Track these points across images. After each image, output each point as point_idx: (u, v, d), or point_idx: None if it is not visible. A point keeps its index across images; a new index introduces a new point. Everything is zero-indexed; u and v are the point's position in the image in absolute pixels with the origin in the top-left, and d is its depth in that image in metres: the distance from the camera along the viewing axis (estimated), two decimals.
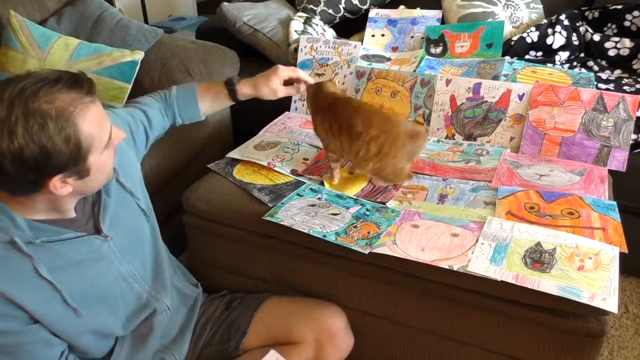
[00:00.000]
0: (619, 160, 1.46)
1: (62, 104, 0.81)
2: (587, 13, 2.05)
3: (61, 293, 0.89)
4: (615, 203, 1.25)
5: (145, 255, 1.10)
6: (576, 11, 2.05)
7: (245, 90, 1.33)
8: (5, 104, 0.78)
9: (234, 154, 1.54)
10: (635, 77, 1.83)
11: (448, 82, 1.66)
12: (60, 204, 0.92)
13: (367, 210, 1.27)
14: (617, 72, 1.89)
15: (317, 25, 2.17)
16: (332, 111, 1.33)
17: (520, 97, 1.58)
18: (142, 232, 1.11)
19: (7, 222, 0.86)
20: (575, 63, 1.95)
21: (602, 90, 1.53)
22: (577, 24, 2.01)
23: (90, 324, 0.96)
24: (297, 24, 2.13)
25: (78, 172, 0.86)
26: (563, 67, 1.89)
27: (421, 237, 1.16)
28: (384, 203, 1.31)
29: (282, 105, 1.88)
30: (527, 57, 1.97)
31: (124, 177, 1.07)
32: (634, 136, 1.50)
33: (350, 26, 2.28)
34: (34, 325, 0.88)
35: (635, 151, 1.53)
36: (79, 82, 0.85)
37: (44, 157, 0.80)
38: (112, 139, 0.91)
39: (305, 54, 1.93)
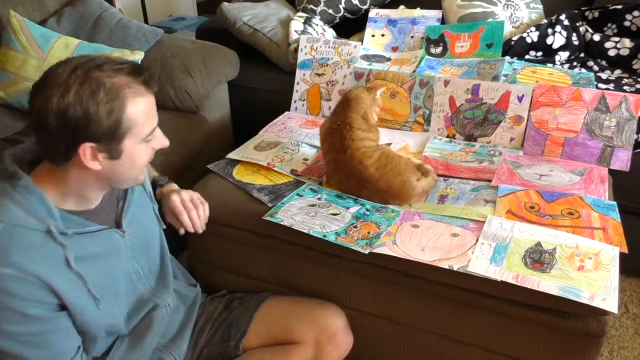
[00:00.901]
0: (622, 160, 1.45)
1: (119, 82, 0.86)
2: (587, 13, 2.05)
3: (86, 283, 0.92)
4: (615, 203, 1.24)
5: (152, 257, 1.13)
6: (576, 11, 2.04)
7: (158, 196, 1.24)
8: (70, 68, 0.85)
9: (233, 155, 1.54)
10: (635, 77, 1.83)
11: (446, 83, 1.66)
12: (88, 189, 0.94)
13: (367, 210, 1.27)
14: (617, 72, 1.89)
15: (317, 25, 2.17)
16: (339, 146, 1.29)
17: (520, 99, 1.58)
18: (153, 235, 1.14)
19: (45, 212, 0.88)
20: (575, 63, 1.94)
21: (604, 90, 1.53)
22: (577, 24, 2.01)
23: (105, 318, 0.98)
24: (297, 24, 2.13)
25: (110, 150, 0.88)
26: (563, 67, 1.89)
27: (421, 237, 1.16)
28: None
29: (282, 105, 1.89)
30: (527, 57, 1.97)
31: (147, 182, 1.13)
32: (636, 136, 1.49)
33: (350, 26, 2.28)
34: (61, 312, 0.91)
35: (637, 151, 1.52)
36: (139, 72, 0.90)
37: (84, 121, 0.83)
38: (153, 136, 0.94)
39: (305, 54, 1.93)
